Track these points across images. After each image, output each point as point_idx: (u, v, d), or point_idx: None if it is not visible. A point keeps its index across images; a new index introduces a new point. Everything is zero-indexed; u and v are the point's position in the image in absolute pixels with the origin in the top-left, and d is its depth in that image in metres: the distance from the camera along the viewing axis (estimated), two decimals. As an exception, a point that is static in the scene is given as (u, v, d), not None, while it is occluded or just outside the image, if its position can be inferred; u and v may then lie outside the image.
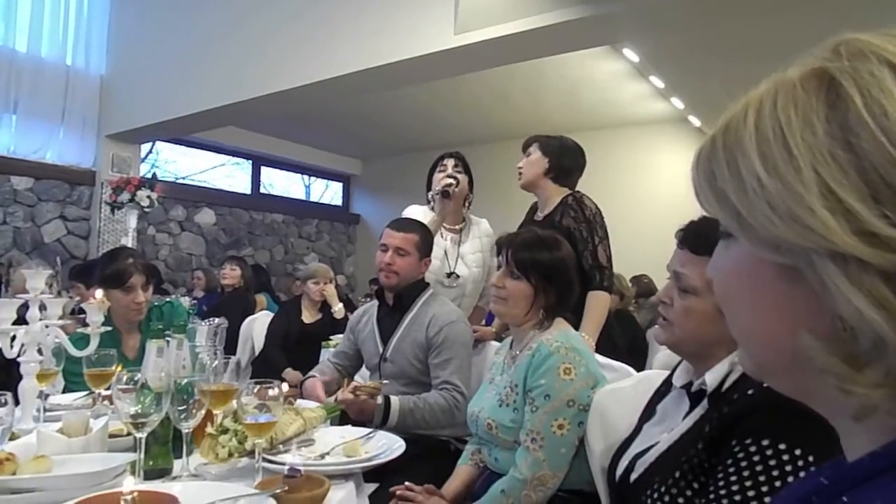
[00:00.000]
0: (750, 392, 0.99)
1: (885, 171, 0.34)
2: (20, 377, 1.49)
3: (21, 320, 1.50)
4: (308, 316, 4.08)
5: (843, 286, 0.35)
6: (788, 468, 0.90)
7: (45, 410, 1.61)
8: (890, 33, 0.38)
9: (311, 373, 2.22)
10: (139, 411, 1.18)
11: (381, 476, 1.63)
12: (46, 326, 1.52)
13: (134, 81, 5.70)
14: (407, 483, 1.56)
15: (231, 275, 5.01)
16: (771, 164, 0.38)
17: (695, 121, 6.83)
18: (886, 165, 0.34)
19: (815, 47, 0.40)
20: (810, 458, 0.90)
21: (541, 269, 1.61)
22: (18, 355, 1.47)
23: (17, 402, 1.34)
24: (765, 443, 0.92)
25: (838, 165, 0.36)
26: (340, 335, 3.17)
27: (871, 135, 0.35)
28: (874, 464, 0.37)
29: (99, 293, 1.76)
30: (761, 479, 0.91)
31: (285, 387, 1.35)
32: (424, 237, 2.18)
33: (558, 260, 1.63)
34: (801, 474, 0.90)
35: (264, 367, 3.77)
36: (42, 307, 1.53)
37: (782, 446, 0.91)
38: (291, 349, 3.86)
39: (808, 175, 0.36)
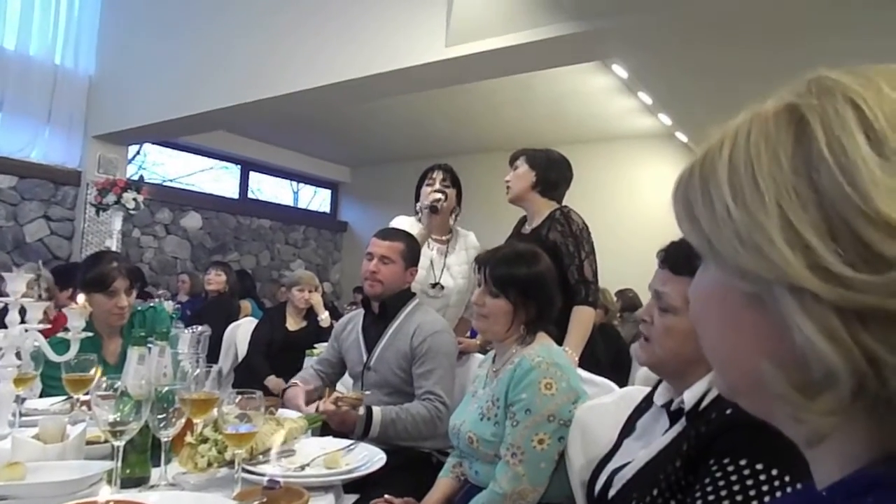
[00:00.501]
0: (728, 411, 1.00)
1: (841, 209, 0.35)
2: (-4, 381, 1.47)
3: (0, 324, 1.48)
4: (293, 323, 4.06)
5: (797, 317, 0.36)
6: (765, 488, 0.91)
7: (21, 415, 1.58)
8: (859, 72, 0.39)
9: (293, 380, 2.21)
10: (118, 419, 1.17)
11: (361, 488, 1.62)
12: (26, 331, 1.50)
13: (123, 83, 5.67)
14: (386, 496, 1.55)
15: (216, 280, 4.98)
16: (739, 196, 0.39)
17: (682, 137, 6.91)
18: (843, 203, 0.35)
19: (793, 81, 0.42)
20: (786, 478, 0.91)
21: (518, 284, 1.61)
22: (-4, 359, 1.46)
23: (-8, 407, 1.32)
24: (742, 462, 0.93)
25: (800, 200, 0.37)
26: (325, 343, 3.16)
27: (830, 172, 0.36)
28: (839, 491, 0.37)
29: (81, 298, 1.74)
30: (738, 498, 0.91)
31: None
32: (410, 246, 2.18)
33: (536, 274, 1.63)
34: (778, 494, 0.91)
35: (247, 374, 3.73)
36: (22, 311, 1.51)
37: (759, 466, 0.92)
38: (275, 356, 3.83)
39: (772, 208, 0.37)
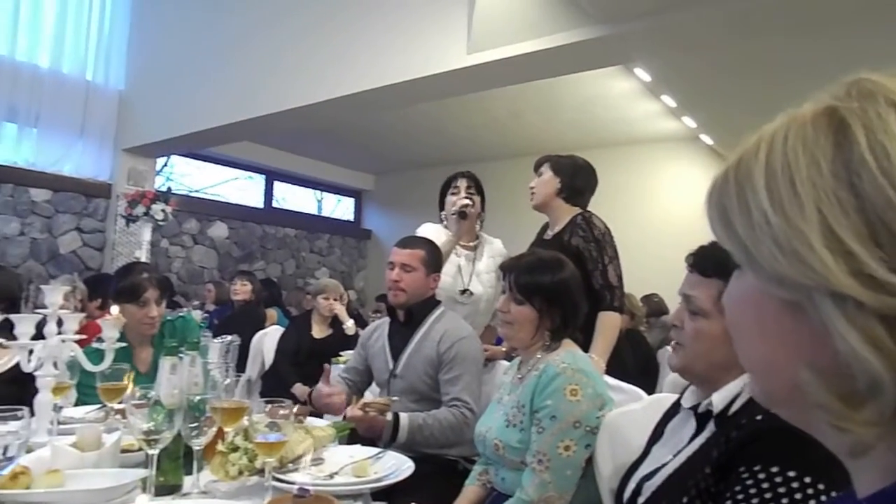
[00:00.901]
0: (759, 417, 0.99)
1: (884, 215, 0.35)
2: (35, 391, 1.51)
3: (38, 334, 1.53)
4: (318, 331, 4.10)
5: (840, 325, 0.36)
6: (798, 496, 0.89)
7: (59, 423, 1.63)
8: None
9: (318, 386, 2.22)
10: (152, 428, 1.20)
11: (388, 495, 1.63)
12: (63, 341, 1.54)
13: (151, 97, 5.81)
14: (413, 503, 1.55)
15: (242, 290, 5.05)
16: (777, 201, 0.39)
17: (707, 139, 6.82)
18: (886, 209, 0.35)
19: (831, 84, 0.41)
20: (820, 486, 0.89)
21: (543, 292, 1.61)
22: (35, 369, 1.50)
23: (31, 415, 1.35)
24: (774, 469, 0.92)
25: (841, 206, 0.36)
26: (351, 351, 3.18)
27: (872, 177, 0.35)
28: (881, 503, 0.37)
29: (115, 309, 1.78)
30: (770, 507, 0.90)
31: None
32: (431, 252, 2.18)
33: (561, 282, 1.63)
34: (812, 503, 0.89)
35: (274, 382, 3.78)
36: (60, 322, 1.55)
37: (792, 473, 0.91)
38: (302, 364, 3.87)
39: (812, 214, 0.37)
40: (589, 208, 2.42)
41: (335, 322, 4.17)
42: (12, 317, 1.48)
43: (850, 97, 0.39)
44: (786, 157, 0.39)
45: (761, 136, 0.42)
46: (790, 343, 0.40)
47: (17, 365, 1.49)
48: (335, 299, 4.10)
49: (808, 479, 0.89)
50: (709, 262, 1.16)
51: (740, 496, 0.93)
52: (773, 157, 0.40)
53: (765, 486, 0.92)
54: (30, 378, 1.53)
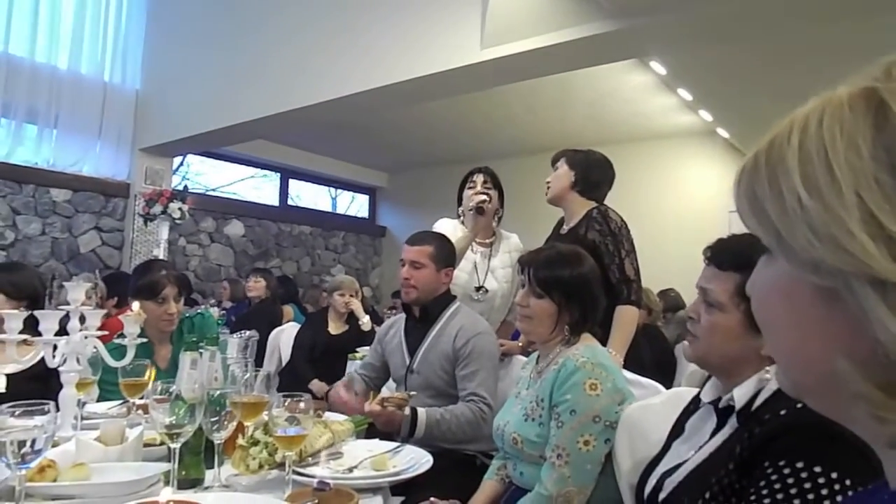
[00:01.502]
0: (783, 412, 0.98)
1: None
2: (58, 386, 1.53)
3: (61, 331, 1.55)
4: (334, 328, 4.12)
5: (881, 312, 0.35)
6: (825, 492, 0.88)
7: (82, 419, 1.65)
8: None
9: (336, 384, 2.24)
10: (174, 422, 1.21)
11: (407, 490, 1.64)
12: (86, 337, 1.56)
13: (167, 96, 5.86)
14: (432, 498, 1.56)
15: (256, 287, 5.10)
16: (813, 185, 0.37)
17: (723, 133, 6.75)
18: None
19: (867, 66, 0.40)
20: (847, 482, 0.88)
21: (562, 286, 1.60)
22: (59, 365, 1.52)
23: (56, 410, 1.37)
24: (799, 465, 0.91)
25: (882, 190, 0.35)
26: (367, 347, 3.19)
27: None
28: None
29: (136, 305, 1.80)
30: (796, 502, 0.89)
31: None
32: (440, 247, 2.16)
33: (580, 276, 1.62)
34: (839, 498, 0.88)
35: (291, 379, 3.81)
36: (82, 318, 1.57)
37: (818, 469, 0.89)
38: (318, 361, 3.89)
39: (850, 198, 0.36)
40: (605, 203, 2.41)
41: (351, 318, 4.19)
42: (37, 313, 1.50)
43: (891, 78, 0.37)
44: (822, 140, 0.38)
45: (793, 119, 0.41)
46: (825, 331, 0.39)
47: (42, 361, 1.51)
48: (351, 295, 4.12)
49: (834, 475, 0.88)
50: (725, 256, 1.16)
51: (765, 492, 0.93)
52: (807, 141, 0.39)
53: (790, 481, 0.91)
54: (54, 374, 1.56)
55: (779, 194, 0.40)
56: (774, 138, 0.41)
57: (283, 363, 4.03)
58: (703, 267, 1.22)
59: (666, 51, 4.72)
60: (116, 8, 6.07)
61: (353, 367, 3.22)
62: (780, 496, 0.90)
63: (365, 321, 4.15)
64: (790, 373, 0.45)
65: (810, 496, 0.88)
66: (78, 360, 1.56)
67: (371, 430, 1.93)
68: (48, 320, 1.48)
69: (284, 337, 4.08)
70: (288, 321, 4.78)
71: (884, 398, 0.36)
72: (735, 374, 1.13)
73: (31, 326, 1.52)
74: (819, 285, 0.39)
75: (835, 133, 0.38)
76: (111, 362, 1.62)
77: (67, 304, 1.55)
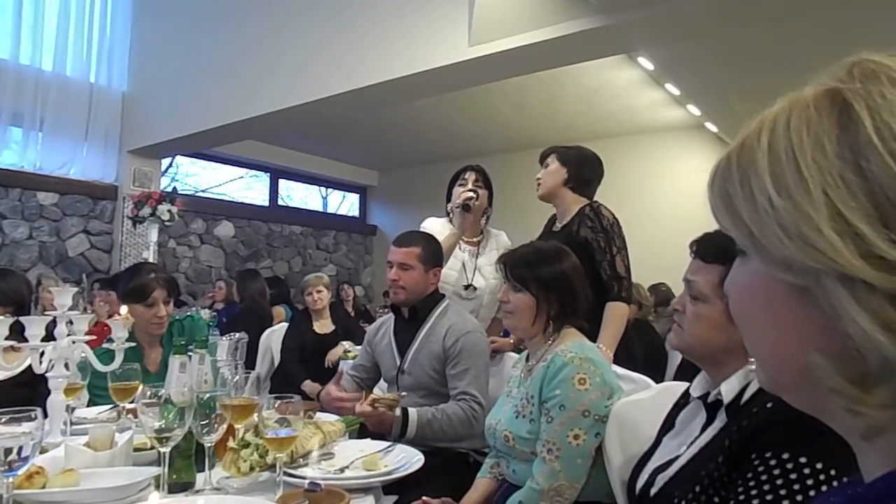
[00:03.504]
0: (769, 405, 0.99)
1: (893, 195, 0.35)
2: (47, 392, 1.52)
3: (49, 336, 1.54)
4: (320, 327, 4.11)
5: (850, 307, 0.36)
6: (810, 482, 0.89)
7: (72, 424, 1.64)
8: None
9: (327, 385, 2.23)
10: (163, 426, 1.21)
11: (400, 489, 1.64)
12: (73, 342, 1.55)
13: (155, 97, 5.82)
14: (424, 497, 1.56)
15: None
16: (782, 185, 0.38)
17: (712, 127, 6.79)
18: (895, 189, 0.35)
19: (831, 67, 0.40)
20: (832, 472, 0.89)
21: (537, 279, 1.63)
22: (46, 371, 1.51)
23: (44, 416, 1.37)
24: (785, 456, 0.92)
25: (847, 188, 0.36)
26: (358, 347, 3.19)
27: (880, 158, 0.35)
28: (889, 485, 0.37)
29: (123, 309, 1.79)
30: (782, 493, 0.90)
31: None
32: (428, 248, 2.16)
33: (556, 270, 1.65)
34: (824, 488, 0.89)
35: (283, 381, 3.79)
36: (69, 323, 1.56)
37: (803, 460, 0.90)
38: (308, 361, 3.88)
39: (818, 197, 0.37)
40: (595, 199, 2.42)
41: (337, 316, 4.17)
42: (23, 319, 1.49)
43: (853, 78, 0.38)
44: (790, 140, 0.39)
45: (763, 120, 0.42)
46: (799, 328, 0.40)
47: (30, 367, 1.50)
48: (318, 292, 4.10)
49: (819, 466, 0.89)
50: (710, 249, 1.18)
51: (752, 483, 0.94)
52: (776, 141, 0.40)
53: (776, 472, 0.92)
54: (42, 380, 1.54)
55: (750, 194, 0.40)
56: (745, 139, 0.42)
57: (276, 364, 4.01)
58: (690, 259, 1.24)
59: (653, 46, 4.74)
60: (101, 9, 6.02)
61: (345, 366, 3.22)
62: (766, 487, 0.91)
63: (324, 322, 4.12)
64: (768, 369, 0.46)
65: (796, 487, 0.89)
66: (66, 366, 1.55)
67: (362, 431, 1.93)
68: (34, 326, 1.47)
69: (276, 338, 4.06)
70: (279, 322, 4.76)
71: (856, 392, 0.36)
72: (721, 364, 1.15)
73: (18, 332, 1.50)
74: (792, 283, 0.39)
75: (802, 133, 0.38)
76: (99, 367, 1.61)
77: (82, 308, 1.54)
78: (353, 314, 6.06)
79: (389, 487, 1.52)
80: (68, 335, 1.54)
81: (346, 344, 3.90)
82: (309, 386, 3.70)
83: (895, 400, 0.35)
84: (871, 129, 0.36)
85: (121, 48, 6.14)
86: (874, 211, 0.35)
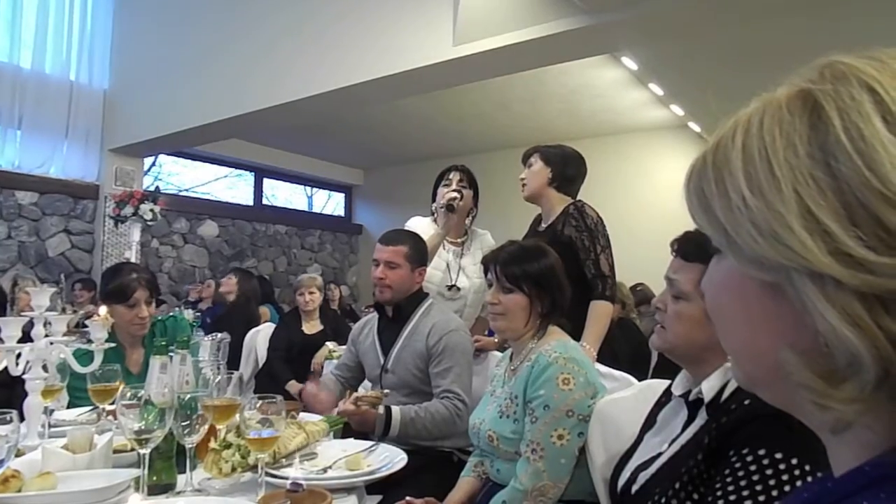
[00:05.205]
0: (746, 402, 1.00)
1: (860, 194, 0.35)
2: (25, 394, 1.50)
3: (26, 337, 1.51)
4: (308, 327, 4.10)
5: (819, 304, 0.36)
6: (785, 477, 0.91)
7: (50, 426, 1.62)
8: (873, 56, 0.39)
9: (307, 384, 2.22)
10: (143, 427, 1.20)
11: (384, 488, 1.64)
12: (51, 343, 1.53)
13: (137, 96, 5.76)
14: (408, 497, 1.56)
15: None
16: (755, 184, 0.39)
17: (695, 127, 6.84)
18: (862, 188, 0.35)
19: (803, 68, 0.41)
20: (807, 468, 0.90)
21: (531, 278, 1.63)
22: (23, 372, 1.49)
23: (21, 419, 1.35)
24: (761, 452, 0.93)
25: (818, 187, 0.37)
26: (343, 347, 3.17)
27: (848, 158, 0.36)
28: (856, 480, 0.37)
29: (103, 310, 1.77)
30: (758, 488, 0.91)
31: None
32: (414, 247, 2.16)
33: (547, 267, 1.65)
34: (799, 483, 0.90)
35: (268, 380, 3.77)
36: (47, 324, 1.54)
37: (778, 455, 0.92)
38: (294, 361, 3.87)
39: (789, 195, 0.37)
40: (579, 198, 2.43)
41: (326, 316, 4.16)
42: (-1, 320, 1.47)
43: (824, 79, 0.39)
44: (762, 140, 0.39)
45: (737, 121, 0.42)
46: (772, 325, 0.41)
47: (7, 369, 1.47)
48: (311, 293, 4.09)
49: (795, 461, 0.91)
50: (691, 247, 1.19)
51: (729, 479, 0.95)
52: (749, 141, 0.40)
53: (753, 468, 0.93)
54: (18, 382, 1.52)
55: (725, 193, 0.41)
56: (720, 139, 0.43)
57: (260, 364, 3.99)
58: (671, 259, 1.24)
59: (637, 46, 4.77)
60: (81, 5, 5.94)
61: (330, 367, 3.21)
62: (743, 483, 0.93)
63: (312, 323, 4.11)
64: (742, 366, 0.46)
65: (772, 482, 0.91)
66: (45, 367, 1.53)
67: (346, 431, 1.93)
68: (10, 327, 1.44)
69: (261, 338, 4.04)
70: (265, 321, 4.73)
71: (824, 386, 0.37)
72: (702, 361, 1.15)
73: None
74: (765, 281, 0.40)
75: (774, 133, 0.39)
76: (78, 368, 1.59)
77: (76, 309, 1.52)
78: (339, 313, 6.03)
79: (373, 487, 1.52)
80: (46, 336, 1.52)
81: (331, 344, 3.88)
82: (294, 386, 3.68)
83: (862, 394, 0.36)
84: (840, 130, 0.36)
85: (102, 45, 6.06)
86: (843, 209, 0.36)
